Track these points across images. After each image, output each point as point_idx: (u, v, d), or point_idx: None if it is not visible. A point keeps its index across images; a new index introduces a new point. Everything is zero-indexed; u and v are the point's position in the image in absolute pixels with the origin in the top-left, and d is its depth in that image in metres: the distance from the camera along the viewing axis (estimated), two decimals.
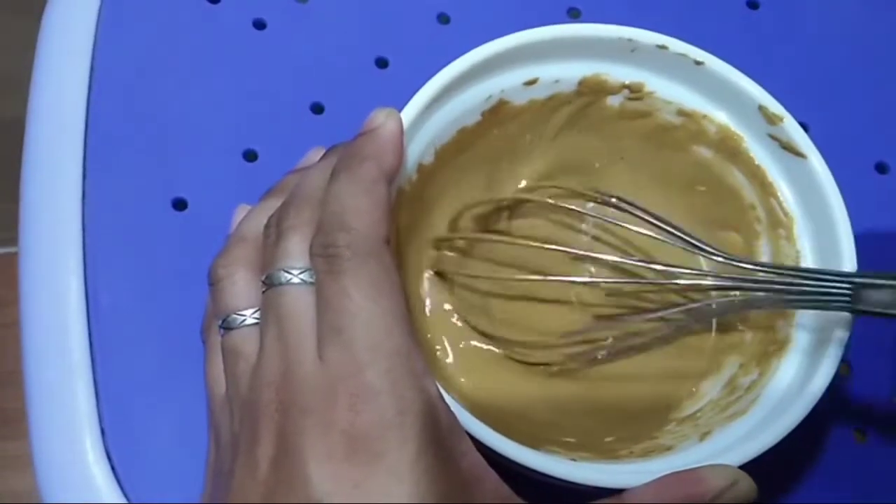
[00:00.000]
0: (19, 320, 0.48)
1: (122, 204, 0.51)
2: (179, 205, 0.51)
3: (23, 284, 0.49)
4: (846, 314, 0.43)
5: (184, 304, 0.48)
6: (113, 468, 0.45)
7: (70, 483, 0.45)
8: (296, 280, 0.37)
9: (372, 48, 0.57)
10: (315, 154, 0.48)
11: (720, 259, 0.45)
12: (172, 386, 0.47)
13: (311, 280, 0.37)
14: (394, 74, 0.56)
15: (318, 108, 0.55)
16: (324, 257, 0.36)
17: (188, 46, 0.55)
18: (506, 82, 0.47)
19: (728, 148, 0.49)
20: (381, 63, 0.56)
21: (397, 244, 0.44)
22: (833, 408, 0.51)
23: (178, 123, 0.53)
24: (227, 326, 0.40)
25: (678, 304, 0.47)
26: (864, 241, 0.46)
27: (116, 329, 0.48)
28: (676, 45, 0.47)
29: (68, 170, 0.51)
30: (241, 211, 0.47)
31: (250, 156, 0.53)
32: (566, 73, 0.48)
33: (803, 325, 0.46)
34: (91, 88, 0.53)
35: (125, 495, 0.45)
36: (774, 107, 0.47)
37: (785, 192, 0.48)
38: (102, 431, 0.46)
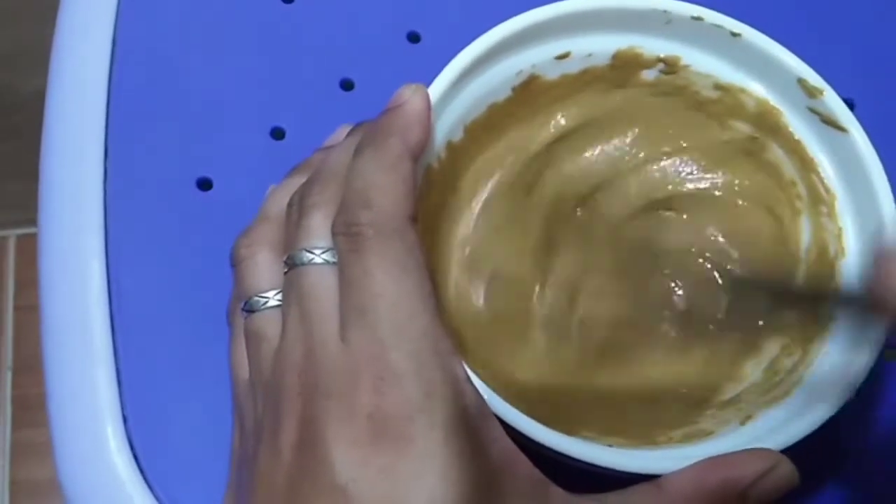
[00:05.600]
0: (40, 304, 0.47)
1: (145, 184, 0.50)
2: (204, 184, 0.51)
3: (43, 267, 0.48)
4: None
5: (209, 288, 0.47)
6: (135, 456, 0.44)
7: (91, 471, 0.44)
8: (318, 260, 0.37)
9: (403, 23, 0.56)
10: (344, 131, 0.48)
11: None
12: (197, 371, 0.46)
13: (333, 260, 0.36)
14: (425, 50, 0.55)
15: (347, 85, 0.54)
16: (346, 236, 0.35)
17: (213, 20, 0.55)
18: (537, 56, 0.46)
19: (767, 122, 0.48)
20: (413, 38, 0.55)
21: (425, 222, 0.43)
22: (876, 391, 0.49)
23: (202, 100, 0.52)
24: (249, 309, 0.39)
25: None
26: None
27: (139, 313, 0.47)
28: (713, 16, 0.46)
29: (89, 148, 0.50)
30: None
31: (278, 134, 0.52)
32: (599, 46, 0.47)
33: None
34: (113, 63, 0.52)
35: (148, 484, 0.44)
36: (814, 79, 0.46)
37: (826, 167, 0.47)
38: (124, 418, 0.45)
